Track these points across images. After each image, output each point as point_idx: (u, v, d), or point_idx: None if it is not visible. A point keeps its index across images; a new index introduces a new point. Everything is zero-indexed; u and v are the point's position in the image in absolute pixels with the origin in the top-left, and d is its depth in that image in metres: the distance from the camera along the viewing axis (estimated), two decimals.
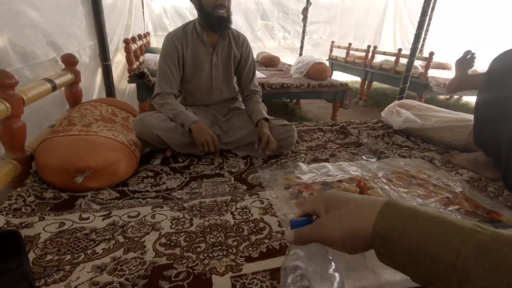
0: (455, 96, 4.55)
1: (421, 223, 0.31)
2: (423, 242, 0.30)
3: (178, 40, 1.27)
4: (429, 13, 4.96)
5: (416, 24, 2.75)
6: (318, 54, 5.41)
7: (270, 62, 3.81)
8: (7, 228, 0.74)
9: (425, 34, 5.21)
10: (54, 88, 1.13)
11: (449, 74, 3.95)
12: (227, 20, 1.25)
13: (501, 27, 5.02)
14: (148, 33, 4.31)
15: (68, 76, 1.29)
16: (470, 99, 4.59)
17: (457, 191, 1.11)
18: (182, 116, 1.23)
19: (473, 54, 1.58)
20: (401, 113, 1.75)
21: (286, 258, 0.53)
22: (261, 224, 0.85)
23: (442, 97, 4.57)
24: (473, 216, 0.96)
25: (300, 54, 4.90)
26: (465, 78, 1.55)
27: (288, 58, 5.20)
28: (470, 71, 1.55)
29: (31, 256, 0.68)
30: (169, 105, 1.26)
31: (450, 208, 0.99)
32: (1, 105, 0.83)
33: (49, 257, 0.68)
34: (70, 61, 1.32)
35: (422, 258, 0.30)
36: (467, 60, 1.56)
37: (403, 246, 0.31)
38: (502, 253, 0.25)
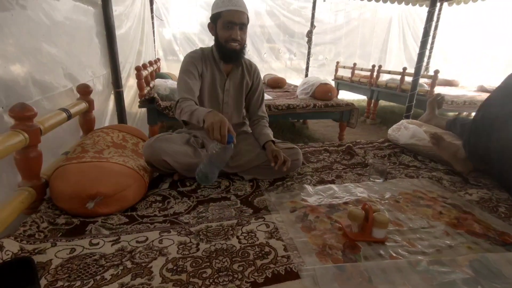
0: (464, 113, 4.51)
1: None
2: None
3: (198, 58, 1.33)
4: (432, 32, 5.04)
5: (419, 42, 2.80)
6: (324, 74, 5.51)
7: (276, 83, 3.90)
8: (21, 255, 0.76)
9: (430, 52, 5.26)
10: (70, 117, 1.20)
11: (457, 91, 3.95)
12: (239, 53, 1.31)
13: (505, 44, 5.02)
14: (159, 59, 4.49)
15: (83, 105, 1.36)
16: None
17: (466, 212, 1.09)
18: (197, 112, 1.13)
19: (443, 96, 1.98)
20: (409, 128, 1.76)
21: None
22: (267, 249, 0.85)
23: (451, 114, 4.53)
24: (484, 238, 0.94)
25: (306, 75, 4.99)
26: (431, 116, 1.88)
27: (294, 79, 5.31)
28: (438, 111, 1.94)
29: (43, 282, 0.70)
30: (186, 106, 1.19)
31: (459, 231, 0.98)
32: (20, 136, 0.88)
33: (59, 283, 0.70)
34: (84, 91, 1.40)
35: None
36: (437, 101, 1.92)
37: None
38: None
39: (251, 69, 1.45)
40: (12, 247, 0.77)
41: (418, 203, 1.15)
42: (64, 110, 1.19)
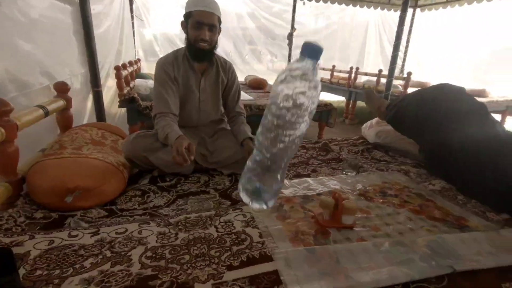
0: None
1: None
2: None
3: (169, 64, 1.35)
4: (407, 36, 5.27)
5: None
6: None
7: (257, 84, 3.96)
8: None
9: (405, 55, 5.51)
10: (47, 113, 1.20)
11: None
12: (208, 52, 1.33)
13: (473, 48, 5.34)
14: (139, 60, 4.45)
15: (60, 103, 1.36)
16: None
17: (429, 200, 1.19)
18: (169, 137, 1.21)
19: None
20: (372, 127, 1.87)
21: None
22: (243, 236, 0.90)
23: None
24: (442, 222, 1.03)
25: None
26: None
27: None
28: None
29: (21, 271, 0.71)
30: (161, 128, 1.25)
31: (420, 216, 1.06)
32: None
33: (38, 272, 0.71)
34: (62, 88, 1.40)
35: None
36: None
37: None
38: None
39: (226, 67, 1.48)
40: None
41: (386, 193, 1.24)
42: (41, 107, 1.19)
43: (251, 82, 4.00)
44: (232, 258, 0.80)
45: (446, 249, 0.87)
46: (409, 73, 3.53)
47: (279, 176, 0.63)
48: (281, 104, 0.54)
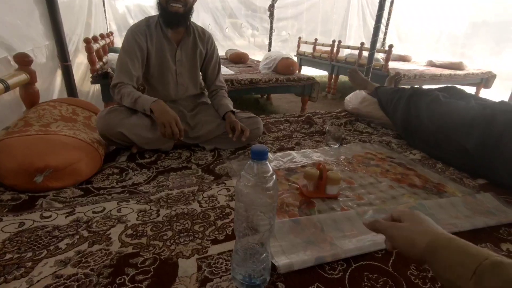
0: (416, 86, 4.83)
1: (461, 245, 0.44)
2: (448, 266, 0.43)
3: (142, 33, 1.24)
4: (388, 8, 5.22)
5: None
6: (287, 50, 5.52)
7: (239, 59, 3.84)
8: None
9: (386, 29, 5.48)
10: (7, 88, 1.09)
11: (409, 66, 4.21)
12: (183, 16, 1.22)
13: (453, 20, 5.37)
14: (112, 33, 4.17)
15: (23, 76, 1.24)
16: (429, 87, 4.89)
17: (409, 169, 1.21)
18: (141, 100, 1.17)
19: (400, 76, 2.35)
20: (358, 93, 1.89)
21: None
22: (227, 210, 0.88)
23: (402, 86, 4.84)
24: (422, 189, 1.06)
25: (269, 51, 4.97)
26: (369, 85, 2.02)
27: (258, 56, 5.25)
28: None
29: None
30: (127, 93, 1.20)
31: (402, 185, 1.08)
32: None
33: (8, 256, 0.67)
34: (23, 61, 1.27)
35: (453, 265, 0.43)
36: (395, 79, 2.27)
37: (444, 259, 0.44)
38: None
39: (204, 37, 1.39)
40: None
41: (368, 164, 1.25)
42: (1, 81, 1.08)
43: (232, 56, 3.88)
44: (216, 232, 0.78)
45: (426, 214, 0.89)
46: (391, 46, 3.51)
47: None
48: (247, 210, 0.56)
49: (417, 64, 4.58)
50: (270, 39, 5.02)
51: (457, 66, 4.05)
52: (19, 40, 1.43)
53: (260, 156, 0.55)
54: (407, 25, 6.17)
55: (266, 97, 4.02)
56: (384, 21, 5.28)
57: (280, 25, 5.84)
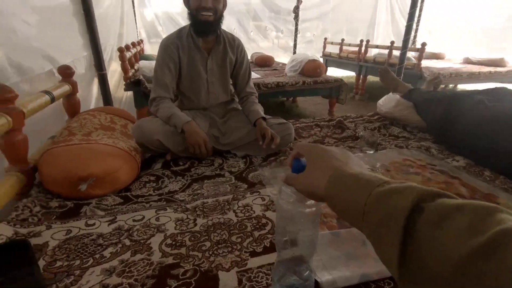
0: (450, 85, 4.58)
1: (350, 185, 0.40)
2: (347, 198, 0.40)
3: (173, 45, 1.28)
4: (419, 4, 4.99)
5: (407, 16, 2.78)
6: (312, 51, 5.43)
7: (264, 62, 3.84)
8: (16, 238, 0.75)
9: (417, 26, 5.24)
10: (53, 99, 1.15)
11: (443, 64, 3.99)
12: (213, 24, 1.23)
13: (489, 16, 5.03)
14: (142, 41, 4.33)
15: (66, 87, 1.31)
16: (465, 87, 4.62)
17: (454, 177, 1.13)
18: (174, 118, 1.23)
19: (440, 80, 2.35)
20: (392, 97, 1.80)
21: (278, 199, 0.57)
22: (264, 220, 0.87)
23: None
24: (470, 200, 0.98)
25: (294, 53, 4.92)
26: (401, 85, 1.91)
27: (282, 58, 5.23)
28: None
29: (41, 263, 0.70)
30: (163, 108, 1.26)
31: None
32: (3, 119, 0.85)
33: (58, 263, 0.70)
34: (66, 73, 1.34)
35: (347, 209, 0.40)
36: (435, 82, 2.20)
37: (338, 204, 0.42)
38: (390, 199, 0.35)
39: (234, 44, 1.40)
40: (6, 231, 0.76)
41: (407, 171, 1.18)
42: (47, 92, 1.14)
43: (258, 59, 3.88)
44: (254, 244, 0.77)
45: None
46: (423, 44, 3.34)
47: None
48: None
49: (452, 61, 4.33)
50: (295, 41, 4.96)
51: (498, 62, 3.78)
52: (61, 52, 1.51)
53: (298, 171, 0.52)
54: (439, 20, 5.87)
55: (292, 99, 3.98)
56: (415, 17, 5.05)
57: (304, 26, 5.76)
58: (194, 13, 1.21)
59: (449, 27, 5.79)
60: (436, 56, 4.60)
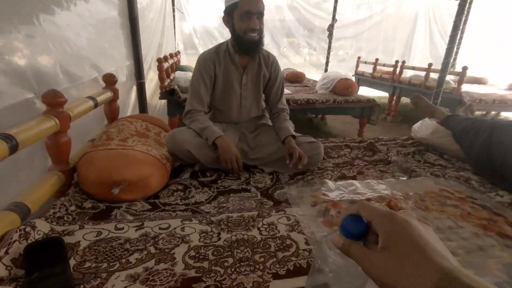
0: (493, 112, 4.30)
1: None
2: None
3: (210, 60, 1.33)
4: (461, 27, 4.81)
5: (447, 38, 2.68)
6: (344, 69, 5.38)
7: (295, 78, 3.86)
8: (52, 235, 0.80)
9: (458, 48, 5.03)
10: (96, 105, 1.23)
11: (485, 89, 3.77)
12: (258, 43, 1.29)
13: None
14: (179, 52, 4.54)
15: (108, 94, 1.39)
16: (510, 115, 4.32)
17: (497, 214, 1.04)
18: (207, 131, 1.27)
19: (473, 108, 2.06)
20: (428, 123, 1.71)
21: (310, 274, 0.52)
22: (288, 241, 0.85)
23: (478, 113, 4.34)
24: None
25: (326, 70, 4.91)
26: (437, 111, 1.81)
27: (313, 74, 5.23)
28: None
29: (72, 262, 0.72)
30: (197, 121, 1.31)
31: (489, 233, 0.93)
32: (52, 121, 0.91)
33: (87, 264, 0.72)
34: (110, 80, 1.43)
35: None
36: (470, 110, 2.01)
37: None
38: None
39: (269, 61, 1.42)
40: (43, 227, 0.80)
41: (444, 203, 1.11)
42: (91, 98, 1.22)
43: (289, 75, 3.91)
44: (278, 266, 0.75)
45: None
46: (465, 68, 3.20)
47: None
48: None
49: (495, 87, 4.08)
50: (328, 58, 4.96)
51: None
52: (107, 61, 1.62)
53: (356, 237, 0.40)
54: (482, 43, 5.60)
55: (321, 117, 3.94)
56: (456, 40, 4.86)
57: (338, 44, 5.76)
58: (241, 35, 1.26)
59: (493, 50, 5.50)
60: (477, 81, 4.36)
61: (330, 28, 4.76)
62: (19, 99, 0.90)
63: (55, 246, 0.71)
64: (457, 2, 2.60)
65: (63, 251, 0.70)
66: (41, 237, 0.77)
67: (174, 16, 4.51)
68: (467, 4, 4.66)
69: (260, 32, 1.27)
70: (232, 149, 1.24)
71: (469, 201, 1.13)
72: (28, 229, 0.74)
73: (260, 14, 1.23)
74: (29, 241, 0.72)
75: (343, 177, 1.31)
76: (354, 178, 1.31)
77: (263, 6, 1.26)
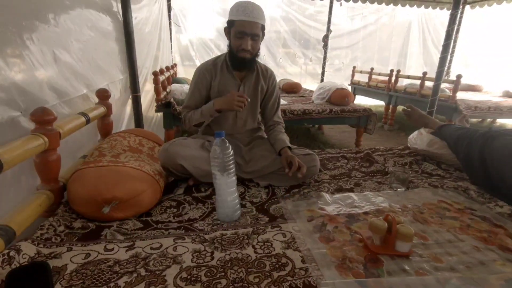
0: (488, 120, 4.33)
1: None
2: None
3: (207, 71, 1.36)
4: (454, 36, 4.89)
5: (440, 47, 2.71)
6: (340, 79, 5.43)
7: (291, 88, 3.87)
8: (37, 259, 0.76)
9: (451, 57, 5.10)
10: (88, 121, 1.21)
11: (480, 96, 3.79)
12: (250, 61, 1.31)
13: None
14: (175, 64, 4.56)
15: (101, 109, 1.38)
16: (505, 121, 4.34)
17: (498, 225, 1.02)
18: (205, 110, 1.32)
19: (468, 119, 2.11)
20: (424, 135, 1.69)
21: None
22: (284, 260, 0.82)
23: (474, 120, 4.36)
24: None
25: (322, 80, 4.94)
26: (431, 122, 1.79)
27: (310, 84, 5.26)
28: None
29: (57, 287, 0.69)
30: (192, 113, 1.37)
31: (490, 246, 0.91)
32: (40, 139, 0.89)
33: None
34: (103, 95, 1.42)
35: None
36: (465, 120, 2.00)
37: None
38: None
39: (267, 74, 1.44)
40: (29, 250, 0.77)
41: (443, 215, 1.09)
42: (83, 114, 1.20)
43: (285, 86, 3.92)
44: (273, 287, 0.72)
45: None
46: (459, 76, 3.23)
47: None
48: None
49: (490, 94, 4.11)
50: (323, 68, 5.00)
51: None
52: (100, 76, 1.60)
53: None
54: (475, 51, 5.67)
55: (318, 127, 3.93)
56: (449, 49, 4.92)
57: (333, 54, 5.81)
58: (234, 51, 1.28)
59: (486, 58, 5.57)
60: (472, 88, 4.39)
61: (325, 38, 4.82)
62: (4, 118, 0.87)
63: (40, 271, 0.68)
64: (449, 12, 2.64)
65: (48, 277, 0.67)
66: (26, 261, 0.74)
67: (170, 30, 4.54)
68: (459, 14, 4.76)
69: (253, 52, 1.28)
70: (227, 96, 1.27)
71: (468, 212, 1.11)
72: (12, 253, 0.71)
73: (255, 36, 1.24)
74: (13, 266, 0.69)
75: (340, 190, 1.29)
76: (351, 190, 1.29)
77: (261, 27, 1.26)
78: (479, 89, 4.42)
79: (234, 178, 1.03)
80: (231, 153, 0.99)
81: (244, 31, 1.22)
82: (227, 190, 1.00)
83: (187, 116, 1.39)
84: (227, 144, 0.99)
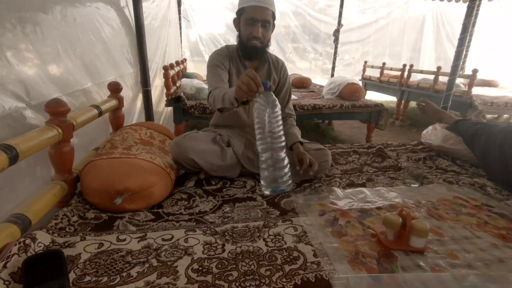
0: (505, 115, 4.20)
1: None
2: None
3: (224, 55, 1.33)
4: (470, 29, 4.75)
5: (455, 41, 2.63)
6: (350, 74, 5.35)
7: (301, 83, 3.83)
8: (52, 248, 0.78)
9: (467, 51, 4.95)
10: (100, 113, 1.22)
11: (497, 92, 3.68)
12: (261, 50, 1.27)
13: None
14: (185, 59, 4.56)
15: (113, 102, 1.39)
16: None
17: None
18: (226, 95, 1.08)
19: (484, 114, 1.97)
20: (438, 130, 1.65)
21: None
22: (295, 253, 0.81)
23: (490, 116, 4.24)
24: None
25: (332, 75, 4.87)
26: (446, 116, 1.74)
27: (320, 79, 5.20)
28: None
29: (72, 276, 0.70)
30: (217, 94, 1.15)
31: (509, 244, 0.88)
32: (54, 130, 0.90)
33: (87, 278, 0.70)
34: (115, 88, 1.43)
35: None
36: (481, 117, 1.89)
37: None
38: None
39: (278, 66, 1.42)
40: (44, 239, 0.78)
41: (459, 211, 1.06)
42: (96, 106, 1.21)
43: (295, 81, 3.88)
44: (284, 280, 0.71)
45: None
46: (475, 70, 3.13)
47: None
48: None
49: (506, 90, 3.98)
50: (334, 63, 4.92)
51: None
52: (112, 69, 1.62)
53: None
54: (491, 45, 5.51)
55: (327, 122, 3.89)
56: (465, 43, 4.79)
57: (344, 49, 5.72)
58: (244, 40, 1.26)
59: (503, 53, 5.40)
60: (488, 84, 4.27)
61: (336, 33, 4.74)
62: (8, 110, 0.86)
63: (55, 259, 0.69)
64: (466, 4, 2.56)
65: (63, 264, 0.68)
66: (42, 250, 0.75)
67: (180, 24, 4.55)
68: (476, 6, 4.61)
69: (264, 41, 1.25)
70: (237, 85, 0.97)
71: (486, 209, 1.08)
72: (28, 241, 0.72)
73: (265, 22, 1.22)
74: (29, 254, 0.70)
75: (351, 185, 1.27)
76: (363, 185, 1.27)
77: (272, 14, 1.23)
78: (495, 84, 4.29)
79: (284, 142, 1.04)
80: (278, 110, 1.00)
81: (254, 17, 1.19)
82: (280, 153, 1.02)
83: (213, 94, 1.19)
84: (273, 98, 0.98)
